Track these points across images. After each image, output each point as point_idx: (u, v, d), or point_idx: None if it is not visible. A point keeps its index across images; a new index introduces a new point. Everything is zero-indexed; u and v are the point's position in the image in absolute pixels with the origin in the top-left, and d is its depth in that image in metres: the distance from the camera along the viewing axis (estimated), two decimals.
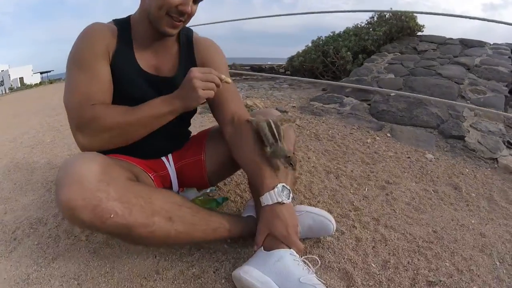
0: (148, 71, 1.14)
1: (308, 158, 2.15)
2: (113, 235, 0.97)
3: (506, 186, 1.98)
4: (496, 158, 2.32)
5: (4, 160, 2.33)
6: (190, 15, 1.10)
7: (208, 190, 1.58)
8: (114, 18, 1.18)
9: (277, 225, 1.02)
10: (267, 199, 1.04)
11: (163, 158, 1.33)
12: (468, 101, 3.22)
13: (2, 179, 1.95)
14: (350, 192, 1.73)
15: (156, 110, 1.04)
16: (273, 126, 1.10)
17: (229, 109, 1.19)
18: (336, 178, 1.89)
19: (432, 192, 1.80)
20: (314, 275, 0.98)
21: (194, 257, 1.17)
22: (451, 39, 5.19)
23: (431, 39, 5.18)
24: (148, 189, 1.01)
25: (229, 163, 1.28)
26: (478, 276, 1.20)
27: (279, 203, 1.03)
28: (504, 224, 1.57)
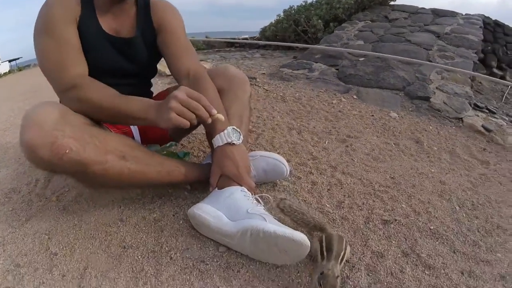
0: (110, 33, 1.16)
1: (273, 118, 2.09)
2: (71, 174, 1.00)
3: (470, 142, 1.98)
4: (461, 118, 2.32)
5: None
6: None
7: (167, 145, 1.52)
8: None
9: (228, 165, 1.06)
10: (218, 140, 1.07)
11: None
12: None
13: None
14: (310, 145, 1.68)
15: (131, 109, 1.03)
16: (323, 243, 0.95)
17: (184, 64, 1.21)
18: (298, 133, 1.83)
19: (393, 145, 1.77)
20: (262, 207, 1.00)
21: (156, 204, 1.21)
22: (424, 8, 5.16)
23: (403, 8, 5.12)
24: (104, 132, 1.03)
25: None
26: (436, 217, 1.18)
27: (229, 143, 1.06)
28: (466, 174, 1.56)
